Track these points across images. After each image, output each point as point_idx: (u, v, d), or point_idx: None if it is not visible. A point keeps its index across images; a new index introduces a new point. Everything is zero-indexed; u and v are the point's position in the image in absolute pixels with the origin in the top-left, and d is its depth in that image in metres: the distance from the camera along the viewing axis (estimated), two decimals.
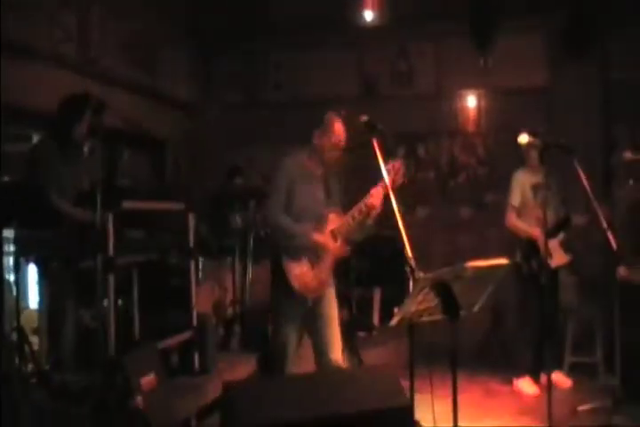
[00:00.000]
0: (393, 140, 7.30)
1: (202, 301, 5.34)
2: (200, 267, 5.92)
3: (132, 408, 3.80)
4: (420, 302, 3.30)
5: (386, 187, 4.00)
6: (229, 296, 5.93)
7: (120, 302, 4.81)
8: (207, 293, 5.76)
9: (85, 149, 5.38)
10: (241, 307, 5.92)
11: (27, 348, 4.07)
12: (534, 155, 5.60)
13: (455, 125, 7.34)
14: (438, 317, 3.40)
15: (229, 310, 5.91)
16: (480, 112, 7.19)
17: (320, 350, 4.21)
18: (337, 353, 4.21)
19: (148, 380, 3.95)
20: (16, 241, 4.00)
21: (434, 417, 3.68)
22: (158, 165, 7.08)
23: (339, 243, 4.17)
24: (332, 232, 4.17)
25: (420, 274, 3.37)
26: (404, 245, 3.56)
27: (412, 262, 3.52)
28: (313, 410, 2.68)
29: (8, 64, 4.74)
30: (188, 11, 7.21)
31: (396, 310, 3.38)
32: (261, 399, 2.71)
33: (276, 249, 4.24)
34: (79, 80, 5.50)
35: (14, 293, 4.23)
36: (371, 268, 6.83)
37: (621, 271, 4.99)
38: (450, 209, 7.37)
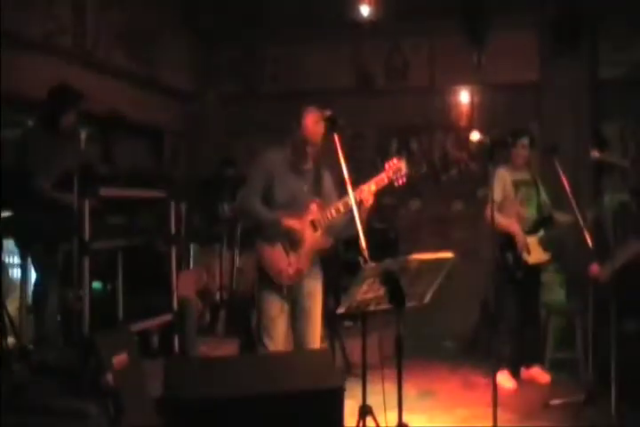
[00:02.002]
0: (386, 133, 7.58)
1: (190, 286, 5.55)
2: (190, 253, 6.15)
3: (103, 385, 4.01)
4: (365, 292, 3.41)
5: (379, 182, 4.09)
6: (217, 282, 6.13)
7: (105, 284, 5.07)
8: (195, 278, 5.96)
9: (83, 136, 5.62)
10: (227, 293, 6.11)
11: (8, 324, 4.34)
12: (518, 152, 5.69)
13: (448, 120, 7.45)
14: (385, 306, 3.52)
15: (216, 296, 6.10)
16: (473, 107, 7.30)
17: (298, 343, 4.26)
18: (315, 346, 4.26)
19: (119, 359, 4.14)
20: None
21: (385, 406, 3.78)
22: (156, 152, 7.28)
23: (318, 233, 4.16)
24: (312, 222, 4.15)
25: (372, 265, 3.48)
26: (358, 235, 3.66)
27: (365, 254, 3.66)
28: (246, 388, 2.84)
29: (3, 53, 4.97)
30: (186, 1, 7.38)
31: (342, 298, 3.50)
32: (198, 376, 2.89)
33: (254, 235, 4.36)
34: (74, 70, 5.70)
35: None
36: (359, 258, 6.95)
37: (593, 269, 5.06)
38: (442, 203, 7.50)
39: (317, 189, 4.28)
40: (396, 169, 4.12)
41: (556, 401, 5.05)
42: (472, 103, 7.32)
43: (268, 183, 4.20)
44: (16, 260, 5.42)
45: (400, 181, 4.14)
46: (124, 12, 6.39)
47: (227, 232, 6.14)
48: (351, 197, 3.79)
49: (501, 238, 5.68)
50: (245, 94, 7.81)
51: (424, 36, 7.29)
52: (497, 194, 5.68)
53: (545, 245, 5.74)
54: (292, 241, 4.13)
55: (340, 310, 3.54)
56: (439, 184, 7.58)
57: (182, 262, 6.01)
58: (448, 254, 3.53)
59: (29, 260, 4.50)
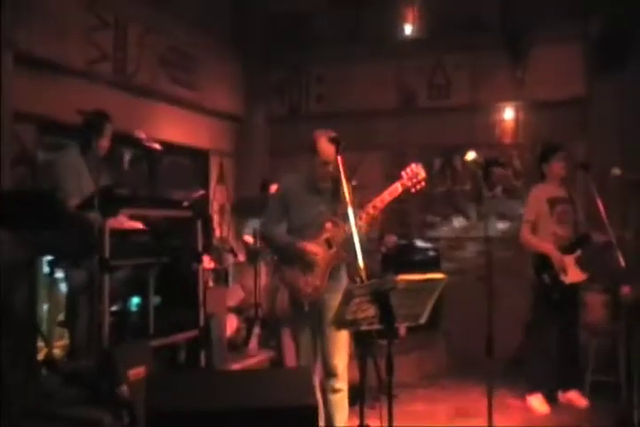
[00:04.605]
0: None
1: (221, 302, 5.70)
2: (229, 271, 6.33)
3: (119, 396, 4.19)
4: (354, 312, 3.44)
5: (393, 192, 4.14)
6: (252, 299, 6.25)
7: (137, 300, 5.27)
8: (232, 295, 6.12)
9: (126, 158, 5.93)
10: (262, 310, 6.22)
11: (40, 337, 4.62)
12: (553, 168, 5.58)
13: (492, 138, 7.35)
14: (377, 326, 3.53)
15: (252, 312, 6.22)
16: (517, 124, 7.19)
17: (324, 358, 4.32)
18: (339, 361, 4.29)
19: (136, 371, 4.32)
20: None
21: None
22: (201, 174, 7.52)
23: (333, 250, 4.26)
24: (326, 240, 4.26)
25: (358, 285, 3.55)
26: (356, 254, 3.71)
27: (362, 274, 3.71)
28: (222, 402, 2.93)
29: (43, 80, 5.32)
30: (231, 25, 7.60)
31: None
32: (177, 389, 3.00)
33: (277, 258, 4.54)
34: (116, 95, 5.99)
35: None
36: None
37: (624, 290, 4.89)
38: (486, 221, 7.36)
39: (336, 207, 4.33)
40: (412, 175, 4.17)
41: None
42: (516, 120, 7.21)
43: (287, 208, 4.39)
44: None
45: (418, 187, 4.17)
46: (167, 36, 6.64)
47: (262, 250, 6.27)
48: (351, 220, 3.87)
49: (537, 258, 5.59)
50: (290, 115, 7.96)
51: (466, 54, 7.25)
52: (529, 212, 5.60)
53: (582, 264, 5.57)
54: (307, 262, 4.27)
55: (336, 329, 3.68)
56: (483, 202, 7.46)
57: (220, 279, 6.20)
58: (439, 275, 3.52)
59: (58, 275, 4.78)
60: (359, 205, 4.30)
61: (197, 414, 2.93)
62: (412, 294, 3.50)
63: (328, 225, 4.29)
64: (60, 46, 5.51)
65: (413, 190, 4.19)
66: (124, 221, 4.80)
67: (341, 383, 4.33)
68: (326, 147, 4.27)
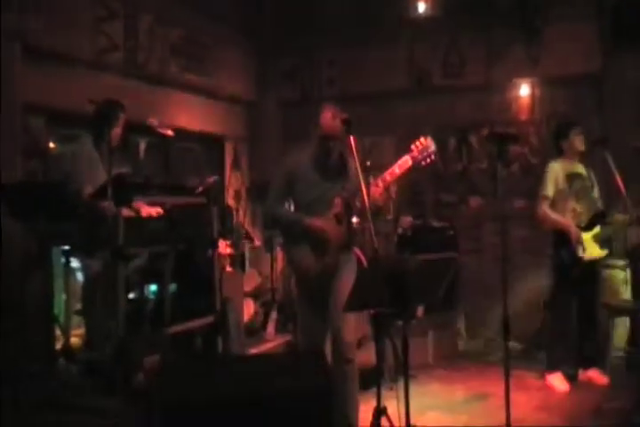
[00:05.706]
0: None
1: (237, 287, 5.71)
2: (246, 255, 6.34)
3: (135, 385, 4.22)
4: (368, 294, 3.42)
5: (403, 165, 4.03)
6: (269, 283, 6.27)
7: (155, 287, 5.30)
8: (248, 280, 6.13)
9: (142, 146, 5.91)
10: (280, 294, 6.24)
11: (57, 328, 4.66)
12: (571, 144, 5.51)
13: (507, 115, 7.24)
14: (392, 308, 3.51)
15: (268, 297, 6.24)
16: (532, 101, 7.09)
17: (333, 334, 4.25)
18: (347, 337, 4.20)
19: (151, 360, 4.35)
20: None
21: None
22: (216, 160, 7.52)
23: (344, 226, 4.15)
24: (335, 216, 4.17)
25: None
26: (371, 234, 3.65)
27: (376, 252, 3.67)
28: (237, 388, 2.94)
29: (53, 71, 5.31)
30: (242, 10, 7.55)
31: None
32: (191, 376, 3.01)
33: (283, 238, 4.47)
34: (128, 84, 5.98)
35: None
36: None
37: None
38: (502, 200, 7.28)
39: (343, 183, 4.25)
40: (422, 148, 4.06)
41: (608, 405, 4.84)
42: (532, 97, 7.12)
43: (292, 185, 4.29)
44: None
45: (428, 161, 4.07)
46: (178, 24, 6.61)
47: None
48: (364, 195, 3.80)
49: (555, 235, 5.53)
50: (302, 100, 7.91)
51: (480, 31, 7.13)
52: (549, 189, 5.53)
53: (600, 241, 5.49)
54: (316, 239, 4.17)
55: (346, 311, 3.64)
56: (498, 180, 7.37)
57: (236, 264, 6.20)
58: (451, 254, 3.50)
59: (74, 264, 4.80)
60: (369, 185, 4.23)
61: (212, 401, 2.94)
62: (425, 274, 3.48)
63: (337, 200, 4.19)
64: (69, 37, 5.50)
65: (424, 164, 4.06)
66: (141, 207, 4.79)
67: (352, 353, 4.22)
68: (329, 121, 4.17)
